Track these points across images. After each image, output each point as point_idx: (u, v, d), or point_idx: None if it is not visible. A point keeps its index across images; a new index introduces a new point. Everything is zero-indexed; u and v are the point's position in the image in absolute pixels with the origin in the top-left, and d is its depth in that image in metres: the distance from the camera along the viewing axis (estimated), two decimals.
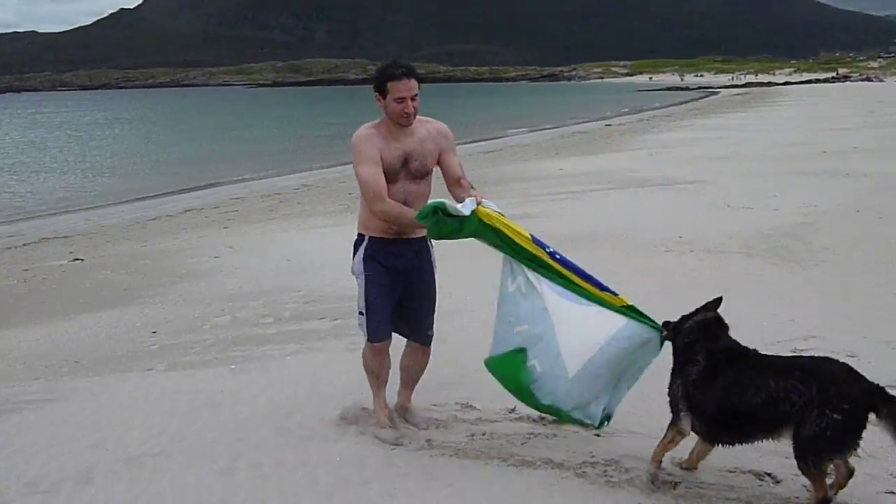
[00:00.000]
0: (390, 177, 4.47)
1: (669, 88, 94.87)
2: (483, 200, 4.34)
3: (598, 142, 27.08)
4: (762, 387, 3.69)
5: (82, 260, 11.40)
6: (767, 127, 28.76)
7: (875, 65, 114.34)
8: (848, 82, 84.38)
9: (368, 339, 4.70)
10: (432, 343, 4.94)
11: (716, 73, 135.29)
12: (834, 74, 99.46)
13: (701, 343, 3.97)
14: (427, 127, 4.64)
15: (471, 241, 4.46)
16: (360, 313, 4.68)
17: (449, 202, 4.30)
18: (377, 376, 4.81)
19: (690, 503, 3.90)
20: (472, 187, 4.53)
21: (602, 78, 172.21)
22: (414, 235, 4.62)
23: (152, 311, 8.26)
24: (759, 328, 6.32)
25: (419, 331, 4.87)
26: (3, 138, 46.72)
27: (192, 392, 5.70)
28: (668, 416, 4.05)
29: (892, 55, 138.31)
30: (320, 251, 10.39)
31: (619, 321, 4.18)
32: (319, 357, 6.38)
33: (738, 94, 66.40)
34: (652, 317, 4.25)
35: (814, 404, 3.55)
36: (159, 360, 6.58)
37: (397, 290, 4.68)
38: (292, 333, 7.06)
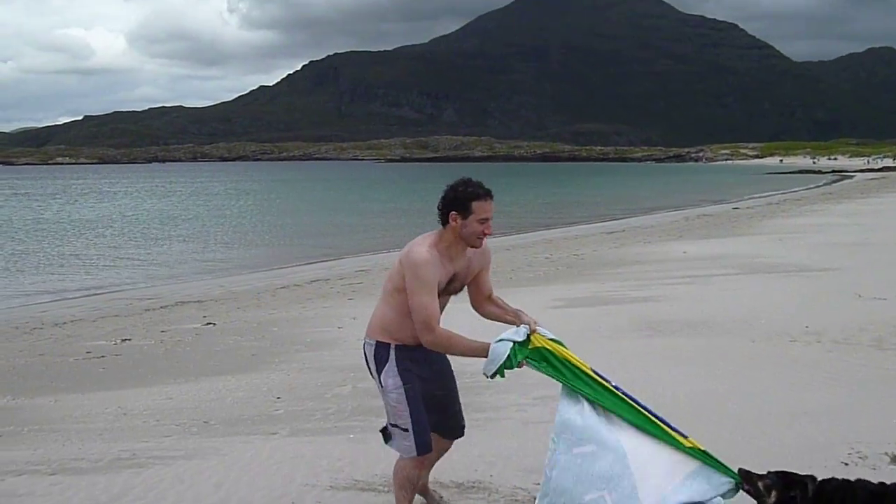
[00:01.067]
0: None
1: (801, 171, 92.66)
2: (538, 328, 4.11)
3: (724, 225, 26.63)
4: None
5: (214, 324, 11.96)
6: None
7: None
8: None
9: (417, 454, 4.32)
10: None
11: (850, 157, 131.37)
12: None
13: (848, 496, 3.81)
14: None
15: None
16: (403, 429, 4.31)
17: (504, 336, 4.06)
18: (415, 487, 4.50)
19: None
20: (521, 311, 4.31)
21: (730, 160, 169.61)
22: None
23: (277, 377, 8.58)
24: (888, 426, 6.08)
25: (458, 425, 4.67)
26: (135, 209, 48.74)
27: (312, 458, 5.89)
28: None
29: None
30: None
31: (693, 463, 3.82)
32: None
33: (874, 179, 64.07)
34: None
35: None
36: (283, 425, 6.83)
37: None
38: None
